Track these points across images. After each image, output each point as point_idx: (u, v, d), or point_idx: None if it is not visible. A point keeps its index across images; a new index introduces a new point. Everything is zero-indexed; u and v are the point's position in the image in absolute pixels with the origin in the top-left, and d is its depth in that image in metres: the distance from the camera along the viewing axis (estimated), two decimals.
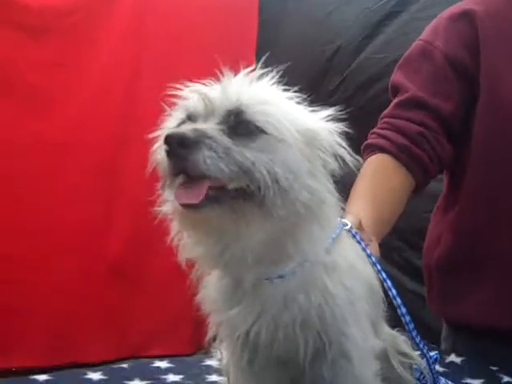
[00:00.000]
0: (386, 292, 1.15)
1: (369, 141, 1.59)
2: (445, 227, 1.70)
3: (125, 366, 1.55)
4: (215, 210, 0.90)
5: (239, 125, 0.92)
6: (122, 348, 3.50)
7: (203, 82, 1.00)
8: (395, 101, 1.62)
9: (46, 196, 3.34)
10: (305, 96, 1.00)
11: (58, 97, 3.36)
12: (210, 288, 1.06)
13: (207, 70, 0.99)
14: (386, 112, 1.63)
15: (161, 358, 1.60)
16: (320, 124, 0.98)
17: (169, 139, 0.89)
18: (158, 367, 1.52)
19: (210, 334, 1.09)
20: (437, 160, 1.57)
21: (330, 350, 1.00)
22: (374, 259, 1.14)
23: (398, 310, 1.16)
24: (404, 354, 1.19)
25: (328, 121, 0.98)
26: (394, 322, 1.19)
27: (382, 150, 1.54)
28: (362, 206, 1.37)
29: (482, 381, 1.48)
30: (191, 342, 3.51)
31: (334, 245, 1.02)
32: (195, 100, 0.97)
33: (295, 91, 1.00)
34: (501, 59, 1.56)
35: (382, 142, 1.55)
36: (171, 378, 1.45)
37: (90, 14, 3.41)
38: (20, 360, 3.20)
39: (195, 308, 1.07)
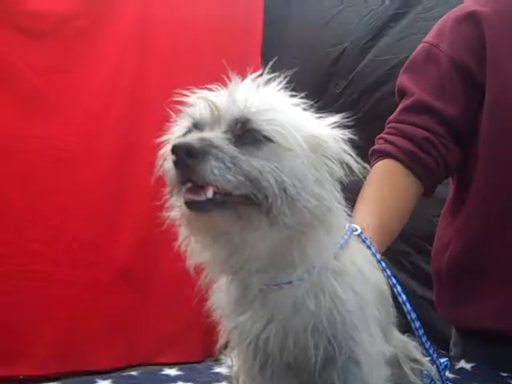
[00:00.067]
0: (395, 297, 1.14)
1: (376, 146, 1.59)
2: (453, 232, 1.70)
3: (134, 373, 1.55)
4: (222, 213, 0.91)
5: (246, 133, 0.92)
6: (131, 355, 3.50)
7: (209, 87, 1.00)
8: (401, 105, 1.62)
9: (52, 203, 3.34)
10: (311, 102, 1.00)
11: (62, 103, 3.36)
12: (220, 294, 1.06)
13: (212, 75, 0.98)
14: (392, 117, 1.63)
15: (170, 365, 1.60)
16: (326, 131, 0.98)
17: (176, 149, 0.89)
18: (168, 375, 1.52)
19: (220, 342, 1.08)
20: (443, 164, 1.57)
21: (340, 355, 1.00)
22: (383, 264, 1.14)
23: (408, 316, 1.15)
24: (414, 360, 1.19)
25: (334, 127, 0.98)
26: (405, 327, 1.19)
27: (388, 155, 1.54)
28: (368, 212, 1.37)
29: None
30: (200, 349, 3.50)
31: (342, 250, 1.02)
32: (202, 107, 0.97)
33: (301, 97, 1.00)
34: (508, 60, 1.55)
35: (388, 147, 1.55)
36: None
37: (93, 19, 3.41)
38: (29, 368, 3.20)
39: (204, 314, 1.08)
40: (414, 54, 1.67)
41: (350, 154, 0.97)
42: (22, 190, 3.27)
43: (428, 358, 1.21)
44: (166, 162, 0.98)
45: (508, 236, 1.58)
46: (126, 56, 3.52)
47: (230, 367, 1.21)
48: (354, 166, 0.98)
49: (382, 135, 1.60)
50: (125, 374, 1.61)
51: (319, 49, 3.52)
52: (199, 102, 0.98)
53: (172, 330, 3.59)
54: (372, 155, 1.57)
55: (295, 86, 1.01)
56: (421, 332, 1.16)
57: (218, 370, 1.49)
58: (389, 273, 1.14)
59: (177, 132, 1.01)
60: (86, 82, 3.42)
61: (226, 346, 1.10)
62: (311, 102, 1.00)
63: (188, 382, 1.46)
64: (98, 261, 3.43)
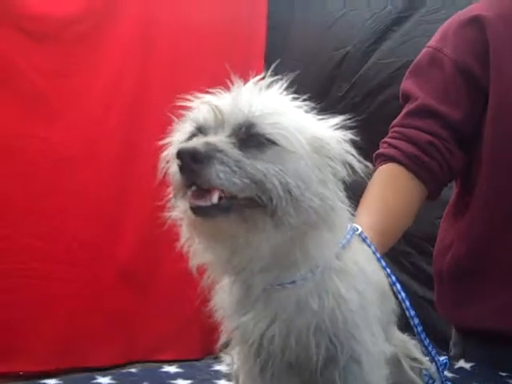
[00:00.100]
0: (395, 296, 1.15)
1: (380, 150, 1.59)
2: (455, 234, 1.70)
3: (134, 370, 1.56)
4: (227, 218, 0.91)
5: (250, 137, 0.93)
6: (131, 352, 3.51)
7: (212, 91, 1.00)
8: (405, 109, 1.62)
9: (53, 203, 3.35)
10: (314, 104, 1.01)
11: (64, 107, 3.38)
12: (223, 295, 1.07)
13: (215, 79, 0.99)
14: (396, 121, 1.63)
15: (170, 362, 1.61)
16: (329, 132, 0.99)
17: (181, 154, 0.89)
18: (167, 372, 1.53)
19: (221, 340, 1.09)
20: (447, 168, 1.57)
21: (342, 354, 1.01)
22: (383, 263, 1.15)
23: (407, 313, 1.16)
24: (414, 359, 1.19)
25: (337, 129, 0.99)
26: (405, 326, 1.19)
27: (392, 159, 1.55)
28: (370, 215, 1.38)
29: None
30: (200, 347, 3.51)
31: (344, 250, 1.03)
32: (205, 111, 0.97)
33: (304, 99, 1.01)
34: None
35: (392, 151, 1.56)
36: (180, 382, 1.45)
37: (95, 24, 3.43)
38: (29, 364, 3.22)
39: (204, 313, 1.08)
40: (417, 58, 1.68)
41: (352, 155, 0.98)
42: (24, 190, 3.28)
43: (427, 357, 1.22)
44: (170, 166, 0.98)
45: (511, 239, 1.59)
46: (128, 60, 3.52)
47: (230, 365, 1.22)
48: (357, 166, 0.98)
49: (386, 139, 1.61)
50: (124, 370, 1.62)
51: (322, 53, 3.53)
52: (202, 107, 0.98)
53: (172, 328, 3.60)
54: (376, 159, 1.58)
55: (298, 88, 1.01)
56: (419, 329, 1.17)
57: (217, 367, 1.50)
58: (388, 271, 1.15)
59: (180, 136, 1.01)
60: (87, 86, 3.43)
61: (226, 345, 1.10)
62: (314, 105, 1.01)
63: (187, 379, 1.47)
64: (98, 259, 3.45)
